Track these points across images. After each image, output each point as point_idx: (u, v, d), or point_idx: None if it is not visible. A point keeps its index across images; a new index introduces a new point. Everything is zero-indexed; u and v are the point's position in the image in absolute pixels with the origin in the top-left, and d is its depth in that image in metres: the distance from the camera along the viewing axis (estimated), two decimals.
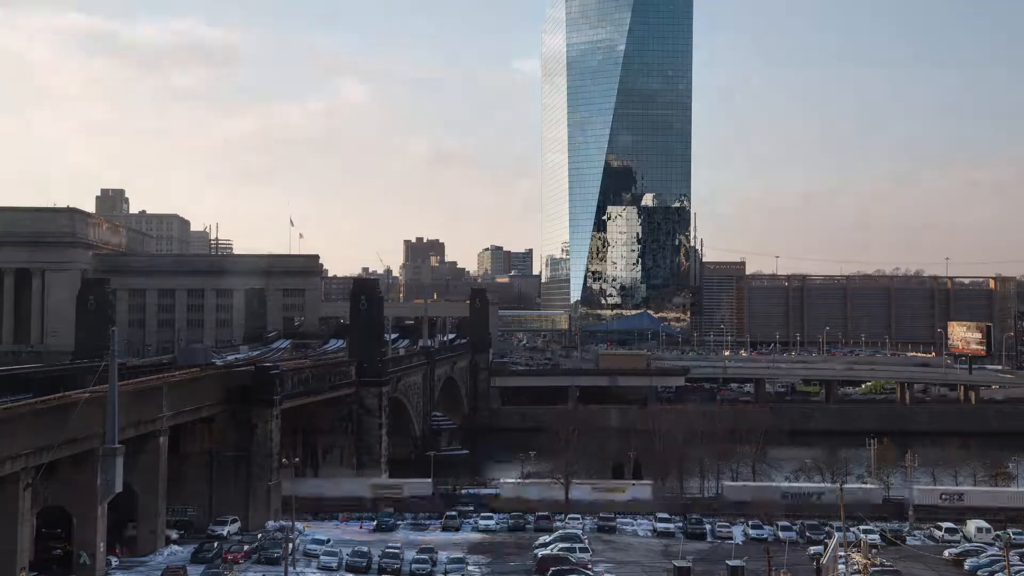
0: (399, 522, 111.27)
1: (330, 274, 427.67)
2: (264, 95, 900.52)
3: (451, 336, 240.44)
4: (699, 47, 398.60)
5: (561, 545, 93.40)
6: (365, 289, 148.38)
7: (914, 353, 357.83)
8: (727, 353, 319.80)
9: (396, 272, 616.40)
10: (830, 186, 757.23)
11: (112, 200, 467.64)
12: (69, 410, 75.67)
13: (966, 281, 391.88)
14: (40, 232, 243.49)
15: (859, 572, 70.51)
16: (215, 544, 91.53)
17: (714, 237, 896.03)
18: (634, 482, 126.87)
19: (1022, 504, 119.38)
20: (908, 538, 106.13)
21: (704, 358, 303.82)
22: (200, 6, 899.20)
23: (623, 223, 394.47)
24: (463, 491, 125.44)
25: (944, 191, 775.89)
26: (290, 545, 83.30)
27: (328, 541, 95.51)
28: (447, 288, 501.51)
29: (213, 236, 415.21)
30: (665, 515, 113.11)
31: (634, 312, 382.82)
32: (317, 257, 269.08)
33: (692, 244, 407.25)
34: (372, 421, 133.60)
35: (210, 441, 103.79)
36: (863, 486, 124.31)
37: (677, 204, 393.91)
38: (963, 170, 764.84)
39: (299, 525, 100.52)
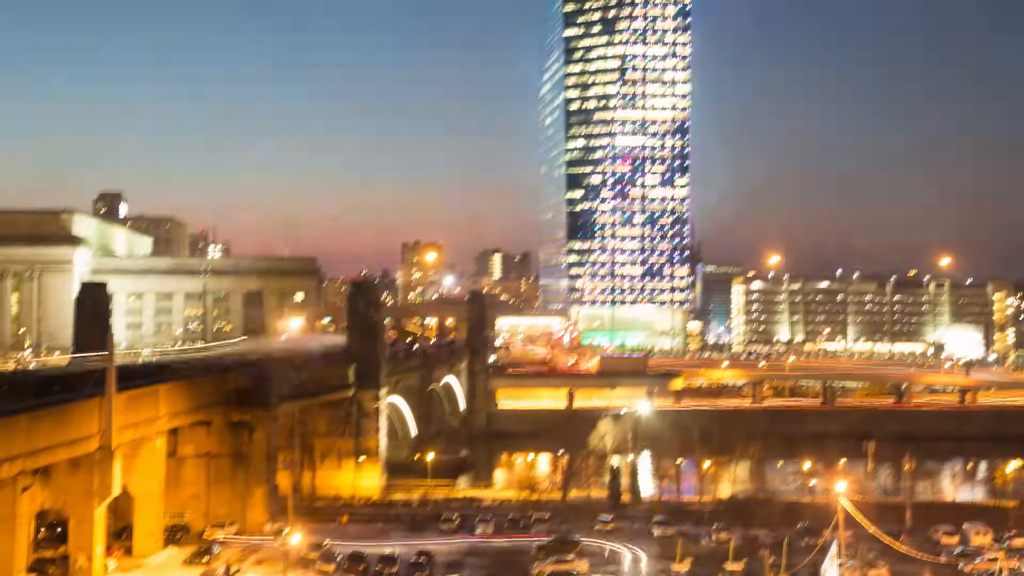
0: (397, 525, 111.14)
1: (328, 276, 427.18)
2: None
3: (449, 339, 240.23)
4: (699, 46, 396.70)
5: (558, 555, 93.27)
6: (363, 291, 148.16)
7: (913, 353, 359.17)
8: (726, 354, 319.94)
9: (395, 274, 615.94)
10: (831, 185, 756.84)
11: (110, 202, 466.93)
12: (66, 412, 75.61)
13: (966, 283, 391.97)
14: (39, 234, 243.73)
15: None
16: (212, 547, 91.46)
17: (714, 237, 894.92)
18: None
19: None
20: (905, 539, 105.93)
21: (703, 360, 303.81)
22: None
23: (624, 224, 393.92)
24: None
25: (944, 190, 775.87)
26: (287, 548, 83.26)
27: (326, 543, 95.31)
28: (446, 290, 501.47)
29: (211, 238, 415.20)
30: (662, 518, 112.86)
31: (634, 313, 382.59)
32: (315, 259, 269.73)
33: (692, 245, 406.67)
34: (370, 424, 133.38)
35: (207, 444, 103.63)
36: None
37: (677, 204, 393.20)
38: (963, 169, 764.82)
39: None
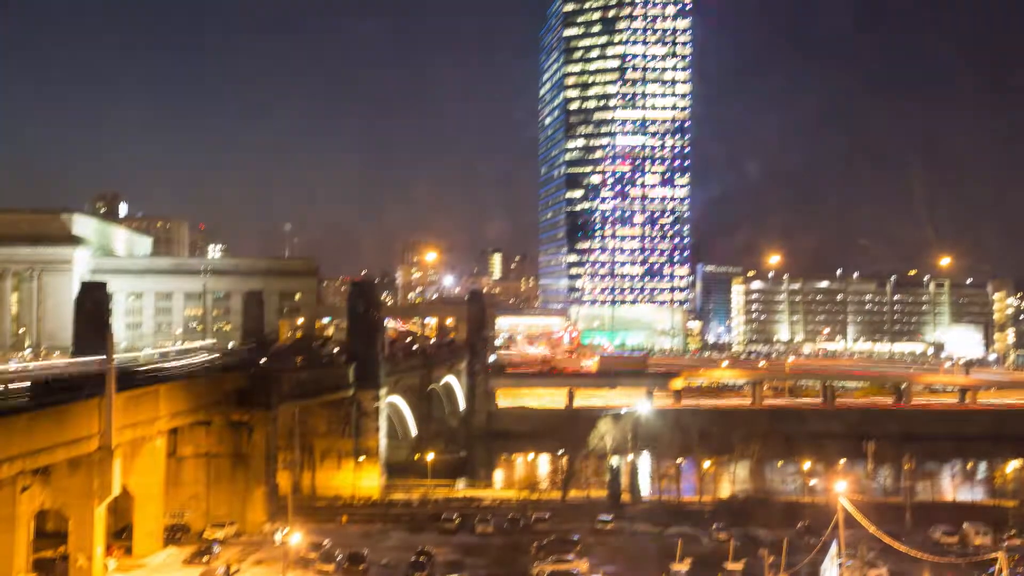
0: (397, 525, 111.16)
1: (328, 276, 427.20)
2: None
3: (449, 338, 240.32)
4: (699, 45, 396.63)
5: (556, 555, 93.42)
6: (363, 291, 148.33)
7: (913, 353, 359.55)
8: (726, 354, 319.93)
9: (395, 274, 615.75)
10: (831, 185, 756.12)
11: (110, 201, 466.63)
12: (66, 412, 75.67)
13: (966, 283, 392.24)
14: (39, 234, 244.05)
15: None
16: (212, 546, 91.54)
17: (714, 237, 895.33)
18: None
19: None
20: (904, 539, 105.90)
21: (703, 359, 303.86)
22: None
23: (623, 224, 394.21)
24: None
25: (944, 190, 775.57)
26: (287, 547, 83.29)
27: (325, 543, 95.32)
28: (445, 290, 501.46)
29: (211, 238, 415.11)
30: (663, 518, 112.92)
31: (634, 313, 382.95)
32: (314, 259, 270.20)
33: (692, 244, 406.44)
34: (370, 424, 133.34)
35: (207, 444, 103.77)
36: None
37: (677, 204, 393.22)
38: (963, 169, 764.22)
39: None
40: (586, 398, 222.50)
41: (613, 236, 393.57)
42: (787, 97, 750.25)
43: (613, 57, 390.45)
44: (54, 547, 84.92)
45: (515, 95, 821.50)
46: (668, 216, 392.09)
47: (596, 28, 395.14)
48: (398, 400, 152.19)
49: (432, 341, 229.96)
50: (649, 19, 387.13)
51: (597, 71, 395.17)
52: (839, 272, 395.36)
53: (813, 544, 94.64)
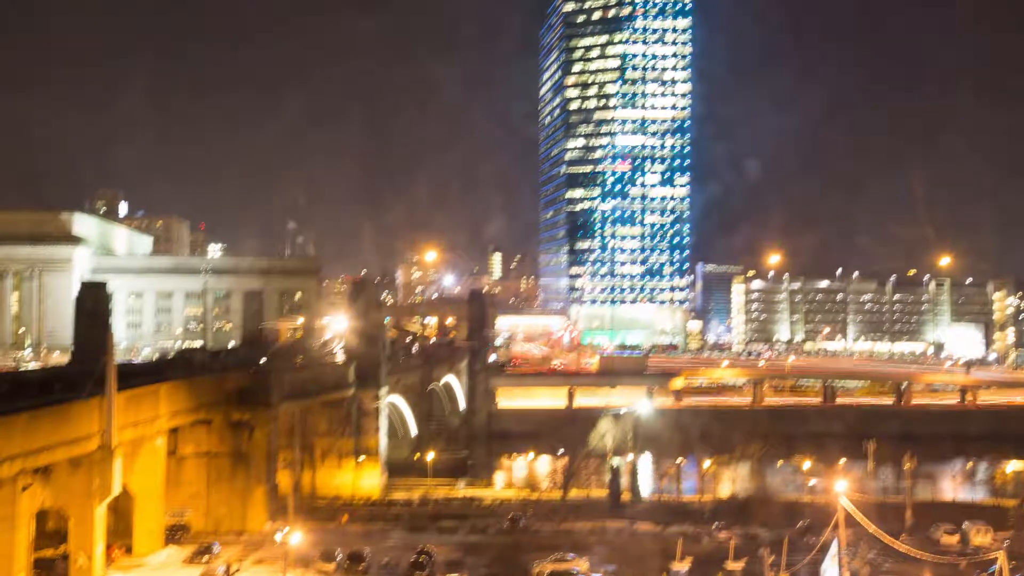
0: (397, 524, 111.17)
1: (328, 275, 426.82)
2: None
3: (450, 337, 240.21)
4: (699, 45, 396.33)
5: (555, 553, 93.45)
6: (363, 291, 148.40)
7: (913, 352, 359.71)
8: (726, 354, 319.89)
9: (395, 273, 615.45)
10: (831, 185, 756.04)
11: (110, 200, 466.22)
12: (66, 412, 75.61)
13: (966, 282, 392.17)
14: (39, 233, 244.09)
15: None
16: (212, 546, 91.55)
17: (714, 237, 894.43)
18: None
19: None
20: (907, 538, 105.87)
21: (703, 359, 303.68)
22: None
23: (624, 223, 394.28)
24: None
25: (944, 190, 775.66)
26: (287, 547, 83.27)
27: (326, 542, 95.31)
28: (446, 289, 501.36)
29: (212, 237, 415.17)
30: (663, 517, 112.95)
31: (634, 312, 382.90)
32: (315, 259, 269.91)
33: (692, 243, 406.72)
34: (370, 423, 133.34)
35: (208, 443, 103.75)
36: None
37: (678, 203, 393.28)
38: (963, 169, 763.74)
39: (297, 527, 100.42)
40: (586, 398, 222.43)
41: (613, 236, 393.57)
42: (787, 96, 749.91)
43: (613, 56, 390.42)
44: (54, 546, 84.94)
45: (515, 94, 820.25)
46: (668, 215, 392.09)
47: (596, 28, 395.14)
48: (398, 399, 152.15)
49: (432, 340, 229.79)
50: (649, 18, 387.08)
51: (597, 71, 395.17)
52: (839, 272, 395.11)
53: (813, 543, 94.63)
